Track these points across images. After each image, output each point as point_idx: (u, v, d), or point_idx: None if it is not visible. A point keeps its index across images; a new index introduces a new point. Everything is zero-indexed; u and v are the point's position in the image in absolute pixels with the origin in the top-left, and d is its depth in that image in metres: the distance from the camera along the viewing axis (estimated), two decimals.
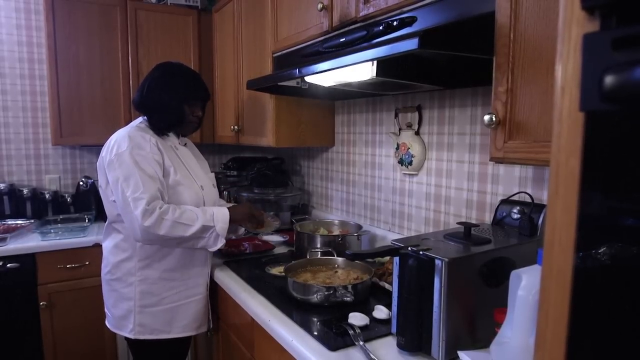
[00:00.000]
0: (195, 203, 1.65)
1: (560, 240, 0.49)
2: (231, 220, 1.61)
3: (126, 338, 1.72)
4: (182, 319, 1.71)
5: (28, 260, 2.25)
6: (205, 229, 1.55)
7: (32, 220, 2.57)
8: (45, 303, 2.29)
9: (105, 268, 1.73)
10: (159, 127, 1.69)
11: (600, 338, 0.46)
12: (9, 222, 2.53)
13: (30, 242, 2.29)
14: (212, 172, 1.95)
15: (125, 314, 1.68)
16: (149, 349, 1.73)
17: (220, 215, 1.59)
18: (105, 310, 1.78)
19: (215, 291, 1.86)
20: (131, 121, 2.59)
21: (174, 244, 1.58)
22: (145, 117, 1.72)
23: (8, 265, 2.20)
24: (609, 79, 0.41)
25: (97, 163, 1.68)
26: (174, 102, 1.67)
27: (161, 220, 1.50)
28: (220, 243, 1.59)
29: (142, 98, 1.69)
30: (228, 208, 1.65)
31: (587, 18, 0.45)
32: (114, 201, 1.60)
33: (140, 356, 1.77)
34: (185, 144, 1.83)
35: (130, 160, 1.53)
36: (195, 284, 1.73)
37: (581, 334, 0.47)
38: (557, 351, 0.49)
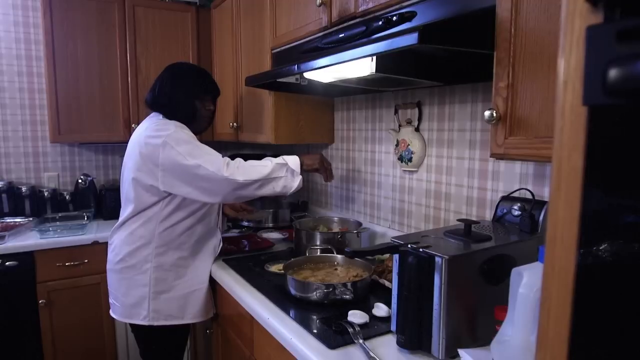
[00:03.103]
0: None
1: (563, 237, 0.48)
2: (302, 162, 1.70)
3: (135, 327, 1.77)
4: (194, 305, 1.77)
5: (27, 258, 2.24)
6: (279, 166, 1.65)
7: (31, 218, 2.56)
8: (44, 301, 2.29)
9: (116, 257, 1.76)
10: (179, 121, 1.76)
11: (602, 336, 0.45)
12: (8, 220, 2.52)
13: (29, 240, 2.28)
14: None
15: (139, 301, 1.72)
16: (157, 336, 1.78)
17: (289, 157, 1.70)
18: (112, 300, 1.81)
19: (214, 289, 1.85)
20: (130, 119, 2.59)
21: (256, 188, 1.62)
22: (159, 114, 1.76)
23: (7, 263, 2.19)
24: (613, 72, 0.40)
25: (128, 154, 1.73)
26: (184, 98, 1.75)
27: (237, 168, 1.61)
28: (298, 179, 1.67)
29: (154, 98, 1.76)
30: (298, 154, 1.75)
31: (590, 10, 0.44)
32: (152, 186, 1.64)
33: (147, 344, 1.82)
34: None
35: (186, 137, 1.64)
36: (202, 272, 1.79)
37: (583, 332, 0.47)
38: (559, 349, 0.49)
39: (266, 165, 1.64)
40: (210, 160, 1.59)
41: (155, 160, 1.61)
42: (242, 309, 1.54)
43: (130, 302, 1.73)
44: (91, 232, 2.41)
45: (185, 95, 1.75)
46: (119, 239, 1.76)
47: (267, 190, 1.64)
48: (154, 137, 1.62)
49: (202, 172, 1.58)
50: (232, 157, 2.76)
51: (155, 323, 1.72)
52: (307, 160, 1.73)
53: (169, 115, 1.74)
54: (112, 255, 1.78)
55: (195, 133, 1.82)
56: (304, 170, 1.71)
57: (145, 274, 1.71)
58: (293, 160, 1.68)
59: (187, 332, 1.91)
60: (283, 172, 1.65)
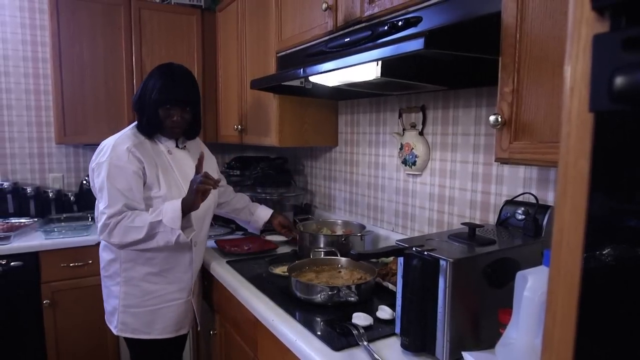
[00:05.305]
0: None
1: (568, 241, 0.49)
2: (184, 208, 1.54)
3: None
4: (162, 321, 1.73)
5: (31, 258, 2.26)
6: (153, 226, 1.55)
7: (36, 219, 2.58)
8: (48, 301, 2.30)
9: (100, 264, 1.79)
10: (145, 129, 1.71)
11: (607, 339, 0.46)
12: (13, 221, 2.53)
13: (34, 240, 2.29)
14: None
15: (112, 310, 1.74)
16: (141, 345, 1.76)
17: (169, 207, 1.56)
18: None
19: (217, 290, 1.86)
20: (134, 121, 2.61)
21: (136, 246, 1.61)
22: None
23: (12, 263, 2.21)
24: (619, 80, 0.41)
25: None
26: (148, 105, 1.66)
27: (114, 229, 1.56)
28: (176, 234, 1.54)
29: (132, 99, 1.77)
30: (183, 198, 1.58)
31: (596, 18, 0.45)
32: None
33: (134, 351, 1.81)
34: (185, 146, 1.82)
35: (106, 172, 1.58)
36: (177, 289, 1.75)
37: (589, 335, 0.47)
38: (565, 352, 0.49)
39: (141, 227, 1.55)
40: (101, 216, 1.58)
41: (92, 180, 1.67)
42: (246, 310, 1.54)
43: (108, 309, 1.77)
44: (95, 233, 2.41)
45: (148, 102, 1.66)
46: (100, 247, 1.79)
47: (151, 245, 1.59)
48: (93, 159, 1.66)
49: (96, 216, 1.61)
50: (236, 159, 2.80)
51: (122, 335, 1.73)
52: (185, 201, 1.55)
53: (138, 121, 1.72)
54: (100, 261, 1.80)
55: (177, 138, 1.77)
56: (187, 213, 1.57)
57: (117, 286, 1.71)
58: (171, 213, 1.54)
59: (180, 341, 1.87)
60: (160, 228, 1.55)
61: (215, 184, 1.55)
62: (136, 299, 1.70)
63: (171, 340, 1.77)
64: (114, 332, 1.74)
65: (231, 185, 2.21)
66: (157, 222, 1.55)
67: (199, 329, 1.87)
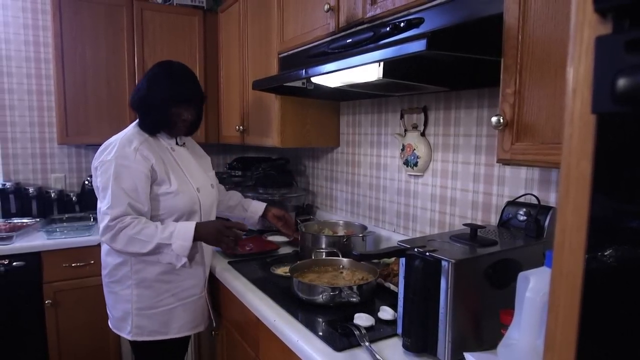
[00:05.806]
0: (190, 207, 1.65)
1: (571, 242, 0.49)
2: (196, 238, 1.56)
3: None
4: (179, 319, 1.71)
5: (34, 258, 2.26)
6: (160, 246, 1.54)
7: (38, 219, 2.58)
8: (50, 301, 2.30)
9: (104, 270, 1.74)
10: (148, 128, 1.68)
11: (610, 340, 0.46)
12: (15, 221, 2.54)
13: (36, 240, 2.30)
14: (215, 170, 1.96)
15: (124, 315, 1.68)
16: (149, 348, 1.73)
17: (182, 232, 1.55)
18: (107, 310, 1.79)
19: (219, 291, 1.86)
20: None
21: (139, 255, 1.58)
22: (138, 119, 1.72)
23: (14, 263, 2.21)
24: (621, 82, 0.41)
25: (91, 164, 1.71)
26: (158, 103, 1.63)
27: (118, 234, 1.53)
28: (182, 261, 1.56)
29: (132, 97, 1.71)
30: (198, 223, 1.60)
31: (599, 20, 0.45)
32: None
33: (140, 355, 1.79)
34: (184, 143, 1.81)
35: (111, 171, 1.55)
36: (191, 285, 1.73)
37: (591, 336, 0.47)
38: (567, 353, 0.49)
39: (149, 242, 1.53)
40: (103, 216, 1.54)
41: (93, 179, 1.65)
42: (248, 311, 1.55)
43: (117, 315, 1.71)
44: (97, 233, 2.42)
45: (158, 100, 1.63)
46: (104, 251, 1.74)
47: (152, 259, 1.60)
48: (98, 156, 1.62)
49: (99, 216, 1.59)
50: (237, 160, 2.80)
51: (139, 339, 1.68)
52: (202, 233, 1.57)
53: (142, 119, 1.68)
54: (102, 267, 1.76)
55: (177, 136, 1.76)
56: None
57: (128, 290, 1.67)
58: (181, 240, 1.54)
59: (184, 341, 1.85)
60: (167, 250, 1.55)
61: (235, 248, 1.73)
62: (151, 300, 1.66)
63: (175, 341, 1.76)
64: (128, 337, 1.68)
65: (232, 186, 2.21)
66: (166, 245, 1.54)
67: (214, 325, 1.85)
